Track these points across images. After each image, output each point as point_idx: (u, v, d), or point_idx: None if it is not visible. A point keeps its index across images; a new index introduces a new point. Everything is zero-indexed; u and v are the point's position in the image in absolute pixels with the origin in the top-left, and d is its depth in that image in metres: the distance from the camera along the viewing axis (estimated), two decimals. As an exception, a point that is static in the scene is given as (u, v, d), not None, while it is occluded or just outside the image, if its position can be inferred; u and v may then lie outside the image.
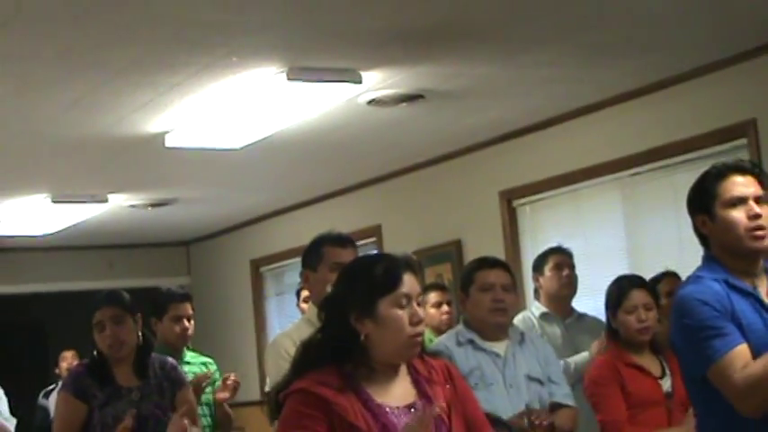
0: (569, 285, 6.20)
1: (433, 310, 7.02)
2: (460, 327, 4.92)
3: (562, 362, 5.42)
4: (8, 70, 5.77)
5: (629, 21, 5.78)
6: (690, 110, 6.92)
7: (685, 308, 3.41)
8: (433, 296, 7.12)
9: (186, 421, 5.06)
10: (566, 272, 6.20)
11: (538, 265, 6.29)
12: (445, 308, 7.08)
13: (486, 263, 4.97)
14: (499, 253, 7.68)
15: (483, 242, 8.37)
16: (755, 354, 3.29)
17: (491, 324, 4.80)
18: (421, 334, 3.10)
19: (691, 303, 3.40)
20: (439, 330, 6.73)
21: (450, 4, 5.31)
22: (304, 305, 6.88)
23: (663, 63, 6.66)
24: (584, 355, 5.70)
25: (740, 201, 3.44)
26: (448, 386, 3.17)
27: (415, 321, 3.07)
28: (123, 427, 5.01)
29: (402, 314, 3.06)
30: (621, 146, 7.38)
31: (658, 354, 5.11)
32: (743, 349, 3.30)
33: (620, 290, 5.14)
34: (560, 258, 6.25)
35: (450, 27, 5.61)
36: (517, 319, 5.75)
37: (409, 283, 3.10)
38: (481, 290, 4.81)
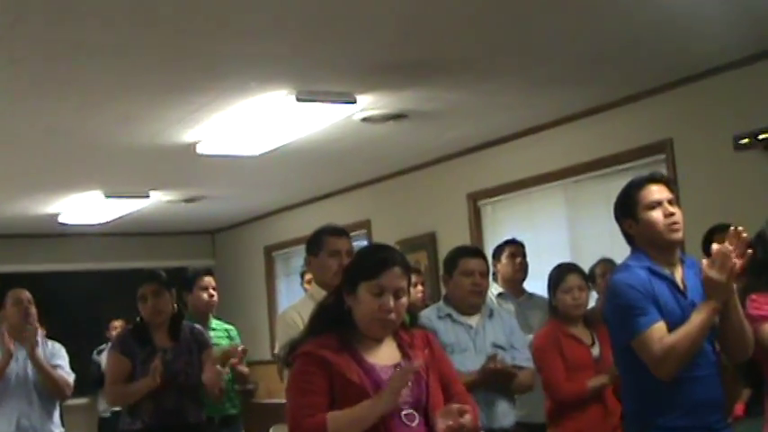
0: (521, 271, 6.20)
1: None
2: (441, 303, 4.89)
3: None
4: (72, 91, 5.76)
5: (569, 57, 5.79)
6: (620, 130, 6.93)
7: (616, 290, 3.44)
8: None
9: (219, 367, 5.10)
10: (519, 260, 6.20)
11: (496, 254, 6.29)
12: (419, 288, 7.05)
13: (469, 251, 4.94)
14: (465, 243, 7.69)
15: (453, 235, 8.37)
16: (670, 327, 3.33)
17: (469, 302, 4.78)
18: (388, 321, 3.05)
19: (621, 287, 3.42)
20: (414, 305, 6.68)
21: (430, 42, 5.31)
22: (307, 285, 6.86)
23: (596, 92, 6.68)
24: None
25: (657, 204, 3.47)
26: (426, 350, 3.17)
27: (384, 310, 3.04)
28: (155, 368, 5.00)
29: (373, 300, 3.04)
30: (566, 158, 7.39)
31: (590, 326, 5.14)
32: (660, 325, 3.33)
33: (559, 274, 5.18)
34: (514, 249, 6.25)
35: (429, 61, 5.62)
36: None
37: (389, 278, 3.05)
38: (463, 274, 4.78)
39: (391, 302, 3.05)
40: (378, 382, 3.00)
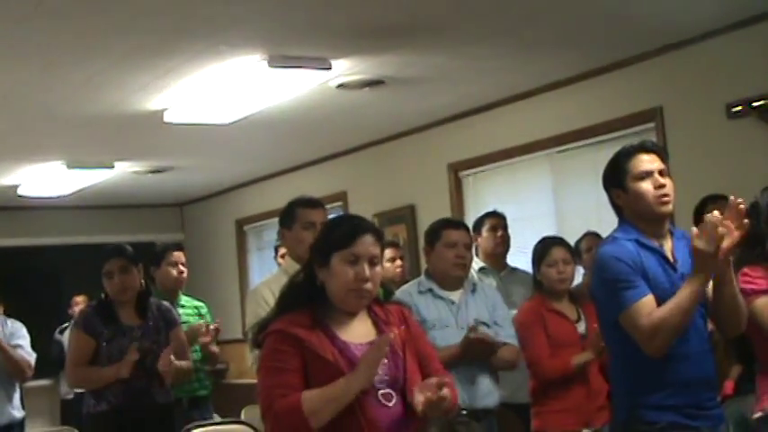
0: (503, 244, 6.20)
1: (387, 264, 6.99)
2: (422, 277, 4.89)
3: None
4: (31, 55, 5.71)
5: (558, 21, 5.78)
6: (608, 98, 6.94)
7: (603, 263, 3.44)
8: (388, 252, 7.07)
9: (173, 357, 5.07)
10: (500, 233, 6.19)
11: (477, 227, 6.27)
12: (398, 262, 7.06)
13: (452, 223, 4.95)
14: (446, 216, 7.69)
15: (433, 207, 8.37)
16: (659, 301, 3.33)
17: (452, 276, 4.78)
18: (364, 290, 3.05)
19: (608, 260, 3.42)
20: (393, 281, 6.70)
21: (409, 4, 5.29)
22: (281, 260, 6.85)
23: (585, 57, 6.67)
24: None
25: (647, 174, 3.46)
26: (403, 327, 3.16)
27: (360, 279, 3.03)
28: (129, 360, 5.00)
29: (348, 270, 3.03)
30: (551, 127, 7.40)
31: (575, 302, 5.16)
32: (649, 299, 3.33)
33: (544, 247, 5.19)
34: (496, 221, 6.24)
35: (408, 23, 5.59)
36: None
37: (363, 245, 3.05)
38: (446, 246, 4.78)
39: (367, 271, 3.05)
40: (352, 360, 2.99)
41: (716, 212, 3.24)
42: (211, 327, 6.25)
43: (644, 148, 3.54)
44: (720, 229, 3.17)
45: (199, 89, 6.60)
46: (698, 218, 5.60)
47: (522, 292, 5.73)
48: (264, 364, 3.04)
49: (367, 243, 3.08)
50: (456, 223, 4.96)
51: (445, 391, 2.93)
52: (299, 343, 2.98)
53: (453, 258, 4.76)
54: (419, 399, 2.94)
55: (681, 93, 6.48)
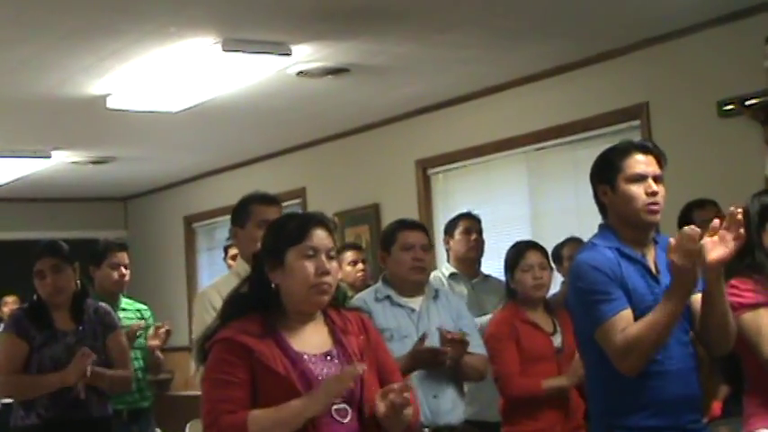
0: (476, 249, 6.22)
1: (348, 268, 7.01)
2: (379, 284, 4.87)
3: None
4: (-41, 32, 5.66)
5: (538, 8, 5.80)
6: (590, 92, 6.98)
7: (580, 272, 3.44)
8: (349, 255, 7.10)
9: (90, 368, 4.98)
10: (474, 236, 6.21)
11: (448, 229, 6.29)
12: (360, 266, 7.07)
13: (407, 224, 4.94)
14: (413, 217, 7.69)
15: (399, 206, 8.38)
16: (638, 316, 3.33)
17: (411, 281, 4.78)
18: (326, 284, 3.07)
19: (584, 268, 3.42)
20: (354, 286, 6.72)
21: (376, -15, 5.29)
22: (231, 261, 6.83)
23: (566, 48, 6.70)
24: (489, 317, 5.68)
25: (641, 178, 3.45)
26: (362, 336, 3.16)
27: (320, 272, 3.05)
28: (79, 365, 4.92)
29: (307, 264, 3.05)
30: (528, 123, 7.42)
31: (551, 312, 5.16)
32: (626, 314, 3.34)
33: (517, 251, 5.19)
34: (469, 224, 6.26)
35: (376, 7, 5.59)
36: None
37: (318, 237, 3.08)
38: (402, 249, 4.78)
39: (327, 264, 3.07)
40: (305, 373, 2.99)
41: (692, 226, 3.24)
42: (162, 329, 6.21)
43: (644, 147, 3.54)
44: (695, 246, 3.16)
45: (145, 73, 6.56)
46: (682, 223, 5.64)
47: (495, 302, 5.74)
48: (209, 376, 3.02)
49: (322, 235, 3.10)
50: (412, 224, 4.96)
51: (408, 396, 2.94)
52: (248, 353, 2.97)
53: (411, 262, 4.76)
54: (380, 404, 2.94)
55: (669, 88, 6.52)
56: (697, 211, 5.51)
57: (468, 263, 6.19)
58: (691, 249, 3.17)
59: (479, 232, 6.25)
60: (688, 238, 3.18)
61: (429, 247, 4.91)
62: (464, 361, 4.68)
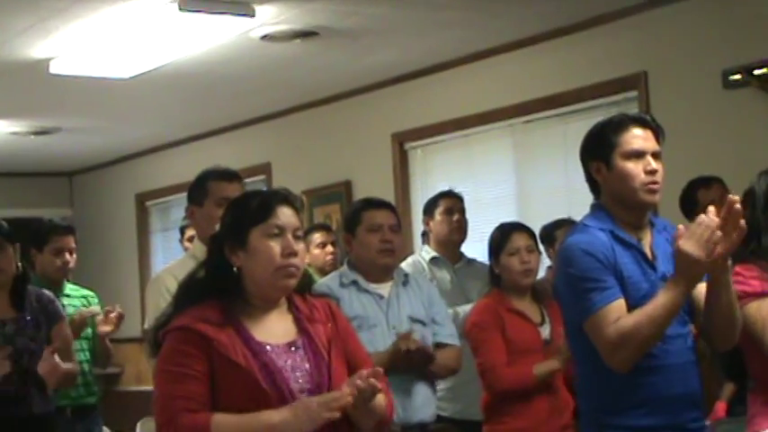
0: (459, 230, 6.19)
1: (317, 251, 7.00)
2: (344, 268, 4.90)
3: (451, 310, 5.44)
4: None
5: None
6: (584, 60, 6.98)
7: (570, 256, 3.44)
8: (317, 236, 7.09)
9: (57, 358, 5.02)
10: (456, 216, 6.17)
11: (428, 209, 6.27)
12: (330, 248, 7.04)
13: (373, 203, 4.96)
14: (389, 196, 7.70)
15: (373, 184, 8.38)
16: (632, 307, 3.33)
17: (378, 265, 4.81)
18: (294, 267, 3.08)
19: (575, 253, 3.42)
20: (323, 271, 6.71)
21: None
22: (188, 243, 6.80)
23: (558, 11, 6.70)
24: (473, 305, 5.68)
25: (639, 154, 3.45)
26: (330, 324, 3.17)
27: (287, 253, 3.06)
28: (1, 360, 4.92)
29: (273, 245, 3.06)
30: (515, 93, 7.43)
31: (539, 301, 5.18)
32: (619, 304, 3.34)
33: (503, 234, 5.18)
34: (451, 203, 6.23)
35: (348, -36, 5.58)
36: (406, 263, 5.77)
37: (284, 215, 3.10)
38: (369, 230, 4.80)
39: (294, 244, 3.08)
40: (268, 365, 2.99)
41: (712, 209, 3.24)
42: (113, 313, 6.15)
43: (641, 121, 3.54)
44: (717, 235, 3.18)
45: (93, 35, 6.52)
46: (685, 204, 5.66)
47: (480, 288, 5.75)
48: (163, 368, 3.02)
49: (287, 213, 3.11)
50: (379, 202, 4.97)
51: (377, 384, 2.94)
52: (207, 343, 2.97)
53: (378, 244, 4.78)
54: (346, 391, 2.94)
55: (669, 56, 6.53)
56: (702, 191, 5.53)
57: (451, 246, 6.17)
58: (708, 239, 3.18)
59: (462, 212, 6.23)
60: (705, 227, 3.19)
61: (398, 228, 4.91)
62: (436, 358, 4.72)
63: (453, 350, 4.84)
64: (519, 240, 5.14)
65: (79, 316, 5.91)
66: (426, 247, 6.22)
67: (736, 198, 3.26)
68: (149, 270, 11.17)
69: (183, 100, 8.77)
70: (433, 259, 6.07)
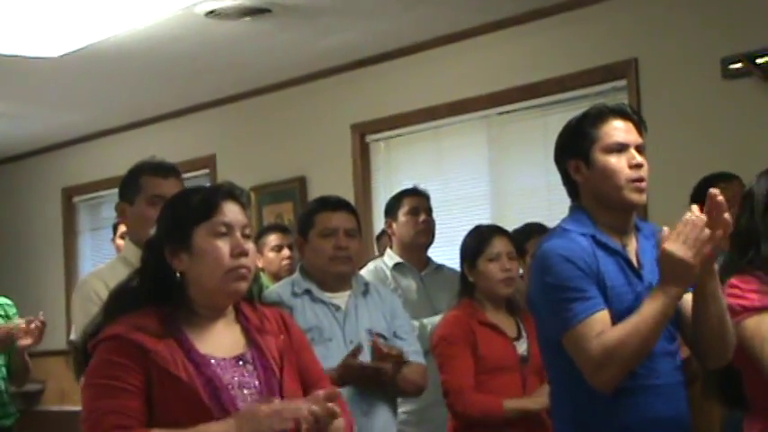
0: (426, 232, 6.15)
1: (272, 254, 6.97)
2: (297, 275, 4.91)
3: (417, 323, 5.46)
4: None
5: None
6: (567, 44, 7.01)
7: (547, 264, 3.45)
8: (272, 238, 7.06)
9: None
10: (422, 217, 6.14)
11: (390, 209, 6.23)
12: (286, 252, 7.00)
13: (329, 204, 4.95)
14: (348, 194, 7.72)
15: (330, 180, 8.38)
16: (616, 320, 3.35)
17: (332, 273, 4.81)
18: (245, 268, 3.09)
19: (553, 259, 3.43)
20: (277, 277, 6.66)
21: None
22: (120, 241, 6.77)
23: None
24: (441, 317, 5.66)
25: (621, 147, 3.48)
26: (282, 337, 3.19)
27: (237, 253, 3.07)
28: None
29: (220, 244, 3.07)
30: (490, 80, 7.45)
31: (514, 313, 5.18)
32: (602, 316, 3.35)
33: (481, 237, 5.16)
34: (416, 201, 6.19)
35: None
36: (367, 270, 5.78)
37: (230, 211, 3.11)
38: (322, 235, 4.80)
39: (243, 243, 3.09)
40: (213, 380, 3.00)
41: (695, 208, 3.28)
42: (34, 323, 6.10)
43: (621, 112, 3.57)
44: (705, 233, 3.21)
45: (16, 8, 6.51)
46: (699, 202, 5.66)
47: (449, 298, 5.74)
48: (93, 382, 3.01)
49: (234, 209, 3.13)
50: (335, 203, 4.96)
51: (335, 408, 2.96)
52: (143, 354, 2.97)
53: (331, 251, 4.78)
54: (304, 407, 2.94)
55: (663, 42, 6.57)
56: (722, 184, 5.54)
57: (417, 250, 6.15)
58: (696, 238, 3.22)
59: (428, 212, 6.21)
60: (693, 226, 3.22)
61: (356, 232, 4.90)
62: (399, 374, 4.73)
63: (419, 367, 4.84)
64: (500, 245, 5.13)
65: (5, 334, 5.88)
66: (389, 251, 6.20)
67: (717, 191, 3.29)
68: (76, 275, 11.09)
69: (117, 83, 8.74)
70: (396, 265, 6.06)
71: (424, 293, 5.96)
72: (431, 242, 6.21)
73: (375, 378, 4.65)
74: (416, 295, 5.93)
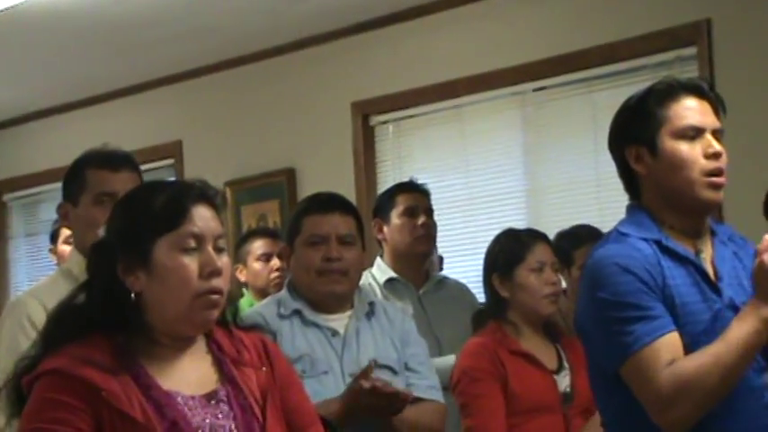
0: (425, 239, 6.03)
1: (258, 265, 6.90)
2: (284, 292, 4.84)
3: None
4: None
5: None
6: (618, 6, 7.01)
7: (601, 276, 3.46)
8: (258, 245, 6.99)
9: None
10: (421, 219, 6.01)
11: (381, 209, 6.12)
12: (275, 262, 6.91)
13: (320, 204, 4.84)
14: (349, 188, 7.73)
15: (326, 173, 8.40)
16: (689, 344, 3.35)
17: (326, 292, 4.76)
18: (217, 293, 3.08)
19: (609, 270, 3.44)
20: (265, 294, 6.56)
21: None
22: (64, 247, 6.76)
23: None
24: (449, 359, 5.53)
25: (696, 132, 3.49)
26: (264, 369, 3.19)
27: (208, 272, 3.06)
28: None
29: (187, 261, 3.05)
30: (524, 49, 7.45)
31: (554, 340, 5.17)
32: (672, 339, 3.36)
33: (519, 243, 5.12)
34: (413, 199, 6.07)
35: None
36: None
37: (201, 218, 3.09)
38: (308, 243, 4.73)
39: (216, 259, 3.08)
40: (179, 423, 3.00)
41: None
42: None
43: (695, 88, 3.58)
44: None
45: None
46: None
47: (459, 325, 5.67)
48: (30, 426, 3.01)
49: (206, 215, 3.11)
50: (327, 203, 4.85)
51: None
52: (91, 392, 2.97)
53: (319, 263, 4.75)
54: None
55: (741, 1, 6.57)
56: None
57: (414, 261, 6.05)
58: None
59: (428, 212, 6.13)
60: None
61: (353, 239, 4.81)
62: (406, 417, 4.62)
63: (435, 406, 4.80)
64: (543, 253, 5.11)
65: None
66: (380, 262, 6.07)
67: None
68: (7, 292, 11.13)
69: (57, 52, 8.76)
70: (389, 282, 5.97)
71: (422, 316, 5.79)
72: (430, 251, 6.15)
73: (399, 406, 4.56)
74: (414, 321, 5.74)
